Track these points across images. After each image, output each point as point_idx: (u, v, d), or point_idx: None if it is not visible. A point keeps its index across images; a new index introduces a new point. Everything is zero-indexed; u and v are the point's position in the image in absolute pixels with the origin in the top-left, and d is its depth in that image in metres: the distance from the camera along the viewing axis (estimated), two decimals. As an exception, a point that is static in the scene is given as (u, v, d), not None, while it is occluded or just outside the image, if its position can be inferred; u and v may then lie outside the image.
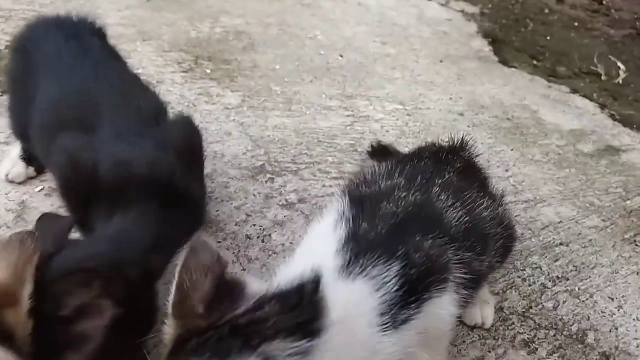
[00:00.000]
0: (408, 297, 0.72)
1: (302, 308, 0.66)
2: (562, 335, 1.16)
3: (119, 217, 0.90)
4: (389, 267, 0.72)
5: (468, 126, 1.87)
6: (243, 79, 1.98)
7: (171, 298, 0.66)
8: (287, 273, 0.72)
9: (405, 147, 1.68)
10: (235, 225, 1.28)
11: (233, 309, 0.65)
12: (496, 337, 1.08)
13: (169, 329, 0.66)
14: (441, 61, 2.33)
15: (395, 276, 0.72)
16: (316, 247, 0.81)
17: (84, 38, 1.17)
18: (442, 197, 0.85)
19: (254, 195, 1.41)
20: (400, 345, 0.71)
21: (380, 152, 1.41)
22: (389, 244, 0.75)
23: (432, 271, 0.75)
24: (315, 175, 1.51)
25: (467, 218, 0.83)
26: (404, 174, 0.90)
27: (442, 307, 0.76)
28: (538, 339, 1.11)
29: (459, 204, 0.85)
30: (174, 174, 0.98)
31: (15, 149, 1.30)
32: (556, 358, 1.09)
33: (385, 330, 0.70)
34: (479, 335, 1.08)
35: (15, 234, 0.75)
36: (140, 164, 0.96)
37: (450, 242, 0.80)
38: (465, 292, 0.81)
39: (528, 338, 1.10)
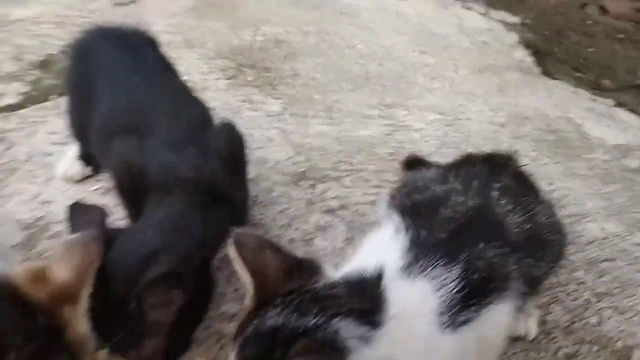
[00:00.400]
0: (468, 301, 0.73)
1: (365, 298, 0.69)
2: (607, 352, 1.13)
3: (166, 214, 0.94)
4: (450, 269, 0.74)
5: (510, 138, 1.85)
6: (284, 87, 2.01)
7: (248, 281, 0.72)
8: (351, 268, 0.75)
9: (445, 157, 1.67)
10: (279, 228, 1.31)
11: (310, 282, 0.71)
12: (539, 350, 1.07)
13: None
14: (481, 72, 2.32)
15: (457, 279, 0.74)
16: (377, 252, 0.82)
17: (139, 49, 1.23)
18: (502, 201, 0.85)
19: (296, 200, 1.43)
20: (456, 347, 0.72)
21: (414, 165, 1.41)
22: (450, 249, 0.76)
23: (494, 279, 0.76)
24: (355, 183, 1.53)
25: (527, 225, 0.83)
26: (459, 179, 0.90)
27: (500, 315, 0.76)
28: (581, 354, 1.09)
29: (519, 208, 0.85)
30: (216, 177, 1.01)
31: (73, 149, 1.36)
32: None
33: (444, 330, 0.71)
34: (521, 348, 1.06)
35: (80, 236, 0.79)
36: (184, 168, 1.00)
37: (512, 251, 0.80)
38: (522, 300, 0.81)
39: (571, 352, 1.08)
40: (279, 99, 1.93)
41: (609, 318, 1.23)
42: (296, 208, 1.39)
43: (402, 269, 0.76)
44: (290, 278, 0.72)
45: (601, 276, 1.36)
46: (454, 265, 0.74)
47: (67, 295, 0.75)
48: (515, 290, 0.78)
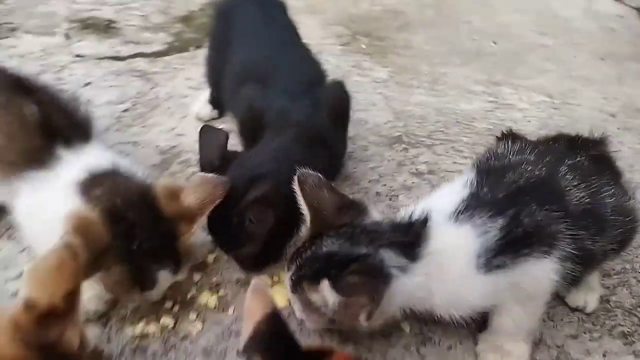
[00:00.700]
0: (506, 249, 0.82)
1: (408, 234, 0.83)
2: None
3: (277, 147, 1.13)
4: (494, 221, 0.84)
5: (618, 128, 1.79)
6: (394, 57, 2.11)
7: (307, 213, 0.89)
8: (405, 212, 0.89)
9: (544, 138, 1.69)
10: (368, 182, 1.45)
11: (360, 219, 0.87)
12: (595, 323, 1.11)
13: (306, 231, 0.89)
14: (603, 59, 2.22)
15: (500, 229, 0.84)
16: (436, 200, 0.94)
17: (271, 11, 1.42)
18: (568, 176, 0.91)
19: (388, 160, 1.55)
20: (488, 289, 0.83)
21: (510, 139, 1.45)
22: (501, 205, 0.86)
23: (537, 235, 0.84)
24: (447, 152, 1.61)
25: (588, 200, 0.89)
26: (535, 152, 0.97)
27: (541, 269, 0.85)
28: (638, 334, 1.11)
29: (584, 185, 0.91)
30: (321, 125, 1.18)
31: (205, 94, 1.60)
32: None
33: (478, 271, 0.82)
34: (578, 318, 1.11)
35: (214, 177, 0.99)
36: (296, 114, 1.19)
37: (566, 217, 0.87)
38: (572, 267, 0.88)
39: (628, 331, 1.10)
40: (387, 67, 2.04)
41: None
42: (386, 167, 1.52)
43: (452, 215, 0.88)
44: (343, 214, 0.88)
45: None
46: (500, 218, 0.84)
47: (188, 216, 0.96)
48: (562, 253, 0.85)
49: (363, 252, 0.80)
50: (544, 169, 0.92)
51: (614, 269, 1.23)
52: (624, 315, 1.14)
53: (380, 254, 0.80)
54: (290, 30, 1.45)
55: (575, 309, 1.12)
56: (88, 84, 1.75)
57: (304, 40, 1.52)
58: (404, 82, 1.94)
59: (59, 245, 0.72)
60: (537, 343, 1.06)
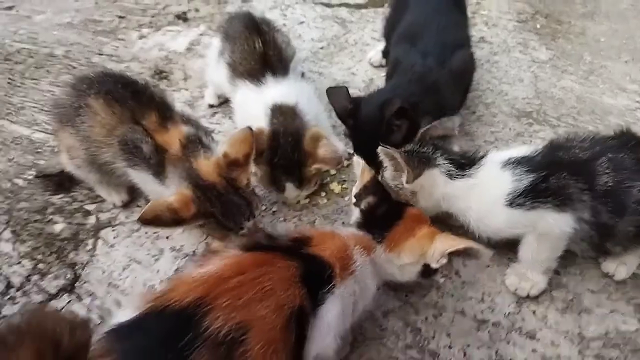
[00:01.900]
0: (529, 196, 1.17)
1: (465, 158, 1.27)
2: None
3: (396, 85, 1.56)
4: (529, 175, 1.19)
5: None
6: (563, 41, 2.28)
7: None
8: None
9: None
10: (483, 142, 1.77)
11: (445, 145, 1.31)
12: (617, 289, 1.35)
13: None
14: None
15: (530, 181, 1.18)
16: (503, 152, 1.30)
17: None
18: (604, 165, 1.17)
19: (509, 129, 1.84)
20: (509, 219, 1.20)
21: (623, 137, 1.61)
22: (541, 167, 1.19)
23: (556, 194, 1.16)
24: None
25: (612, 185, 1.15)
26: (589, 142, 1.24)
27: (554, 219, 1.17)
28: None
29: (614, 174, 1.16)
30: (436, 79, 1.54)
31: (381, 45, 2.05)
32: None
33: (504, 203, 1.20)
34: (606, 282, 1.36)
35: (341, 150, 1.45)
36: (419, 67, 1.56)
37: (588, 190, 1.16)
38: (590, 233, 1.18)
39: None
40: (551, 50, 2.23)
41: None
42: (505, 134, 1.82)
43: (503, 162, 1.24)
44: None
45: None
46: (534, 174, 1.17)
47: (314, 158, 1.44)
48: (580, 216, 1.16)
49: (427, 152, 1.26)
50: (587, 154, 1.20)
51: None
52: (649, 292, 1.36)
53: (438, 158, 1.26)
54: (453, 2, 1.78)
55: (606, 275, 1.38)
56: (302, 22, 2.35)
57: (484, 12, 1.84)
58: (559, 67, 2.13)
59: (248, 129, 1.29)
60: (559, 285, 1.37)
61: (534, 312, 1.32)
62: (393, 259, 1.11)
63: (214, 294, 0.84)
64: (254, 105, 1.56)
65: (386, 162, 1.28)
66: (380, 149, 1.24)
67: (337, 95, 1.52)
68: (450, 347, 1.26)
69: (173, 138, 1.33)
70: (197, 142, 1.33)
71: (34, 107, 1.92)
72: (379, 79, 2.03)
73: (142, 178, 1.37)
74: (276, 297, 0.88)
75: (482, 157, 1.27)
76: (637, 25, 2.40)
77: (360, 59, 2.14)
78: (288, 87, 1.58)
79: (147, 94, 1.39)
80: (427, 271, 1.12)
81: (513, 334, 1.28)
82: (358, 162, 1.23)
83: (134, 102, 1.35)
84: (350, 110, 1.50)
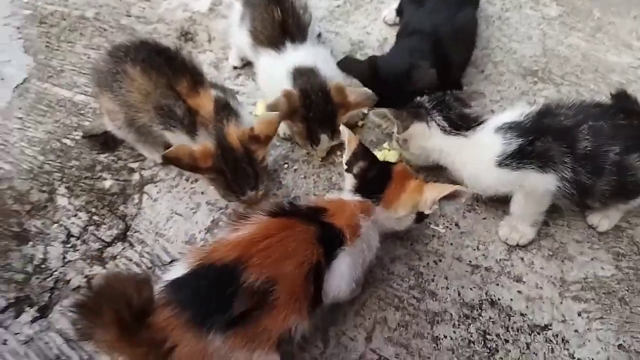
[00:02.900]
0: (516, 157, 1.35)
1: (462, 119, 1.45)
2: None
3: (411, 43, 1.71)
4: (517, 139, 1.35)
5: None
6: (574, -3, 2.32)
7: None
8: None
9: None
10: (489, 101, 1.90)
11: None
12: (600, 240, 1.53)
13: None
14: None
15: (518, 144, 1.35)
16: (499, 116, 1.46)
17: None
18: (584, 131, 1.32)
19: (515, 88, 1.96)
20: (497, 177, 1.38)
21: (621, 98, 1.72)
22: (528, 132, 1.35)
23: (540, 155, 1.33)
24: (569, 93, 1.94)
25: (590, 149, 1.30)
26: (574, 109, 1.38)
27: (537, 178, 1.35)
28: (629, 257, 1.51)
29: (593, 139, 1.31)
30: (442, 37, 1.68)
31: (396, 3, 2.13)
32: (628, 270, 1.48)
33: (494, 164, 1.37)
34: (590, 233, 1.55)
35: (369, 91, 1.59)
36: (426, 26, 1.70)
37: (569, 154, 1.32)
38: (571, 191, 1.34)
39: (622, 252, 1.50)
40: (562, 6, 2.28)
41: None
42: (510, 93, 1.94)
43: (496, 127, 1.40)
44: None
45: None
46: (522, 138, 1.34)
47: (346, 105, 1.59)
48: (562, 175, 1.32)
49: (430, 105, 1.46)
50: (571, 121, 1.34)
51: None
52: (628, 243, 1.54)
53: (433, 114, 1.45)
54: None
55: (590, 226, 1.56)
56: (319, -20, 2.42)
57: None
58: (568, 23, 2.20)
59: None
60: (547, 235, 1.56)
61: (522, 259, 1.52)
62: (391, 214, 1.31)
63: (248, 254, 1.06)
64: (275, 70, 1.70)
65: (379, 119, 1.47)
66: (372, 112, 1.41)
67: (349, 66, 1.68)
68: (447, 288, 1.48)
69: (204, 101, 1.50)
70: (227, 106, 1.50)
71: (72, 69, 2.09)
72: (393, 38, 2.12)
73: (176, 138, 1.55)
74: (297, 255, 1.09)
75: (480, 122, 1.42)
76: (651, -22, 2.41)
77: (375, 18, 2.23)
78: (306, 51, 1.71)
79: (179, 61, 1.55)
80: (420, 217, 1.33)
81: (502, 277, 1.49)
82: (344, 131, 1.39)
83: (168, 68, 1.51)
84: (369, 73, 1.64)
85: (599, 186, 1.35)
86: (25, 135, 1.88)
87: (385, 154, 1.73)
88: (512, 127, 1.38)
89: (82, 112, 1.94)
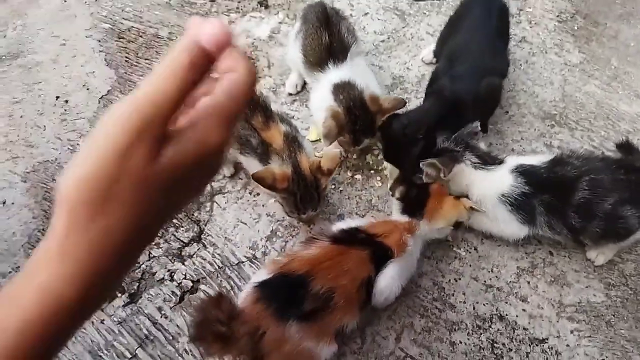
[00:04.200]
0: (514, 203, 1.68)
1: (490, 158, 1.74)
2: (632, 293, 1.81)
3: (431, 105, 1.97)
4: (524, 186, 1.66)
5: None
6: (595, 45, 2.58)
7: None
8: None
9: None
10: (511, 140, 2.19)
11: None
12: (595, 271, 1.83)
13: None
14: None
15: (521, 192, 1.67)
16: (520, 158, 1.77)
17: (493, 13, 2.08)
18: (584, 183, 1.60)
19: (535, 129, 2.25)
20: (495, 212, 1.72)
21: (625, 149, 1.98)
22: (537, 183, 1.65)
23: (528, 210, 1.67)
24: (582, 138, 2.22)
25: (584, 200, 1.60)
26: (582, 161, 1.66)
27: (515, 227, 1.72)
28: (617, 287, 1.81)
29: (590, 191, 1.59)
30: (460, 101, 1.90)
31: (432, 45, 2.41)
32: (616, 299, 1.78)
33: (495, 197, 1.71)
34: (587, 264, 1.85)
35: (333, 151, 1.87)
36: (447, 91, 1.92)
37: (564, 206, 1.63)
38: (562, 230, 1.66)
39: (612, 283, 1.81)
40: (584, 53, 2.55)
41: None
42: (530, 134, 2.22)
43: (513, 169, 1.70)
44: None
45: None
46: (527, 186, 1.65)
47: (382, 111, 1.88)
48: (534, 231, 1.67)
49: (458, 149, 1.74)
50: (575, 172, 1.63)
51: (636, 252, 1.89)
52: (618, 275, 1.84)
53: (467, 153, 1.74)
54: (497, 31, 2.10)
55: (588, 259, 1.86)
56: (366, 13, 2.70)
57: (528, 9, 2.21)
58: (587, 71, 2.47)
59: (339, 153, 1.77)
60: (551, 264, 1.86)
61: (528, 282, 1.83)
62: (433, 226, 1.65)
63: (315, 270, 1.42)
64: (320, 87, 2.01)
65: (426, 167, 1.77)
66: (422, 163, 1.71)
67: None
68: (464, 302, 1.79)
69: (274, 134, 1.81)
70: (295, 139, 1.81)
71: (150, 85, 2.42)
72: (429, 75, 2.41)
73: (248, 162, 1.87)
74: (352, 273, 1.45)
75: (502, 161, 1.76)
76: (669, 30, 2.66)
77: (414, 54, 2.51)
78: (345, 68, 2.00)
79: (255, 99, 1.86)
80: (457, 225, 1.70)
81: (510, 297, 1.80)
82: (386, 165, 1.74)
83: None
84: (384, 123, 1.92)
85: (589, 228, 1.64)
86: (112, 143, 2.22)
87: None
88: (525, 173, 1.69)
89: (159, 125, 2.27)
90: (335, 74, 1.99)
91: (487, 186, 1.73)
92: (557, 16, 2.71)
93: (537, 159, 1.74)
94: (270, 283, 1.41)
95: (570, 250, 1.89)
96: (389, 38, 2.59)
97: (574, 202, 1.62)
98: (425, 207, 1.65)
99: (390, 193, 1.71)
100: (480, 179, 1.74)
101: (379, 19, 2.67)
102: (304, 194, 1.72)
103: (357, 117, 1.89)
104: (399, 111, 1.92)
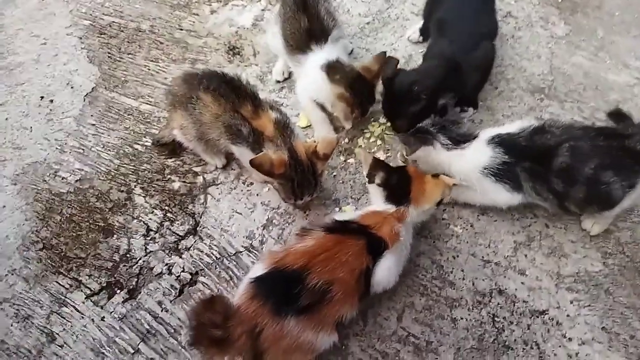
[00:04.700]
0: (497, 172, 1.70)
1: (462, 136, 1.75)
2: (629, 260, 1.82)
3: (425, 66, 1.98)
4: (503, 155, 1.68)
5: None
6: (580, 16, 2.58)
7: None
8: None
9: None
10: (502, 116, 2.19)
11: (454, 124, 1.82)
12: (592, 240, 1.84)
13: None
14: None
15: (502, 161, 1.68)
16: (495, 129, 1.77)
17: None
18: (564, 149, 1.60)
19: (524, 104, 2.24)
20: (479, 183, 1.73)
21: (616, 116, 1.99)
22: (516, 149, 1.66)
23: (512, 176, 1.69)
24: (572, 109, 2.22)
25: (566, 165, 1.59)
26: (562, 129, 1.66)
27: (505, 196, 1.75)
28: (614, 256, 1.82)
29: (570, 156, 1.59)
30: (460, 65, 1.92)
31: (419, 23, 2.40)
32: (613, 267, 1.79)
33: (478, 171, 1.72)
34: (584, 235, 1.85)
35: (330, 137, 1.85)
36: (447, 53, 1.95)
37: (547, 171, 1.63)
38: (547, 195, 1.68)
39: (609, 252, 1.82)
40: (569, 25, 2.54)
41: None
42: (520, 108, 2.22)
43: (489, 140, 1.71)
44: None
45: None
46: (507, 155, 1.66)
47: (376, 75, 1.91)
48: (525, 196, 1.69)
49: (432, 130, 1.76)
50: (554, 140, 1.63)
51: (631, 219, 1.90)
52: (615, 244, 1.85)
53: (438, 132, 1.76)
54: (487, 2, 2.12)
55: (584, 230, 1.87)
56: (350, -4, 2.68)
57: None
58: (574, 42, 2.46)
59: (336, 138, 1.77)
60: (547, 235, 1.87)
61: (525, 256, 1.84)
62: (421, 208, 1.64)
63: (311, 263, 1.40)
64: (306, 71, 2.03)
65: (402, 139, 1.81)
66: (399, 136, 1.74)
67: (389, 63, 1.95)
68: (463, 279, 1.80)
69: (265, 122, 1.79)
70: (287, 125, 1.80)
71: (135, 80, 2.38)
72: (417, 55, 2.41)
73: (240, 151, 1.86)
74: (349, 264, 1.43)
75: (475, 137, 1.76)
76: (652, -2, 2.66)
77: (400, 35, 2.49)
78: (328, 48, 2.03)
79: (242, 89, 1.84)
80: (440, 202, 1.67)
81: (509, 271, 1.81)
82: (359, 151, 1.76)
83: (234, 95, 1.80)
84: (389, 78, 1.92)
85: (572, 193, 1.64)
86: (100, 140, 2.19)
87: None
88: (503, 143, 1.70)
89: (148, 120, 2.24)
90: (319, 55, 2.00)
91: (467, 163, 1.74)
92: (541, -11, 2.70)
93: (514, 126, 1.75)
94: (266, 278, 1.40)
95: (566, 222, 1.90)
96: (374, 20, 2.57)
97: (555, 167, 1.62)
98: (410, 193, 1.61)
99: (368, 180, 1.68)
100: (457, 159, 1.76)
101: (362, 1, 2.65)
102: (301, 179, 1.71)
103: (359, 90, 1.93)
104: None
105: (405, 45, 2.46)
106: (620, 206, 1.69)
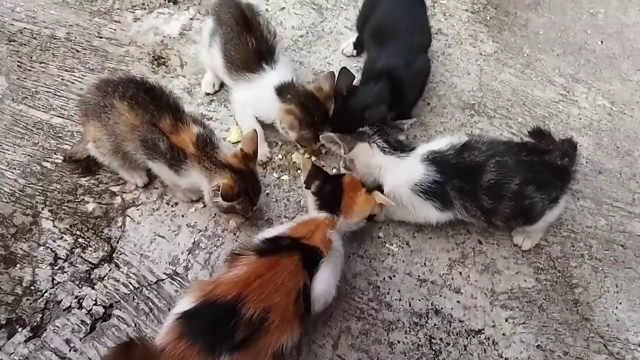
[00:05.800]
0: (427, 190, 1.67)
1: (399, 144, 1.73)
2: (560, 275, 1.84)
3: (377, 87, 1.92)
4: (435, 174, 1.65)
5: (653, 145, 2.27)
6: (508, 34, 2.65)
7: None
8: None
9: (581, 137, 2.25)
10: (434, 132, 2.18)
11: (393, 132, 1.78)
12: (523, 256, 1.85)
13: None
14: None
15: (433, 180, 1.65)
16: (432, 143, 1.75)
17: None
18: (491, 165, 1.60)
19: (456, 120, 2.25)
20: (408, 199, 1.71)
21: (537, 134, 2.00)
22: (446, 168, 1.64)
23: (443, 197, 1.66)
24: (501, 126, 2.26)
25: (494, 181, 1.59)
26: (489, 146, 1.65)
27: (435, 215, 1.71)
28: (546, 271, 1.84)
29: (497, 173, 1.59)
30: (400, 81, 1.91)
31: (353, 37, 2.36)
32: (546, 282, 1.81)
33: (408, 187, 1.69)
34: (515, 250, 1.86)
35: (252, 132, 1.77)
36: (388, 68, 1.93)
37: (475, 189, 1.62)
38: (475, 212, 1.66)
39: (540, 267, 1.84)
40: (497, 42, 2.60)
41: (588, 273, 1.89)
42: (452, 124, 2.23)
43: (423, 156, 1.68)
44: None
45: (607, 250, 1.95)
46: (438, 174, 1.64)
47: (328, 96, 1.85)
48: (454, 214, 1.68)
49: (370, 133, 1.72)
50: (482, 157, 1.62)
51: (561, 234, 1.93)
52: (546, 259, 1.86)
53: (376, 137, 1.72)
54: (419, 6, 2.13)
55: (515, 245, 1.87)
56: (283, 8, 2.60)
57: (443, 2, 2.22)
58: (502, 60, 2.52)
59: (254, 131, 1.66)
60: (481, 252, 1.85)
61: (460, 273, 1.81)
62: (350, 220, 1.61)
63: (245, 292, 1.27)
64: (259, 88, 1.94)
65: (328, 143, 1.76)
66: (322, 135, 1.72)
67: (344, 78, 1.92)
68: (400, 300, 1.74)
69: (185, 139, 1.66)
70: (209, 141, 1.68)
71: (47, 91, 2.17)
72: (351, 69, 2.35)
73: (158, 168, 1.71)
74: (285, 286, 1.32)
75: (413, 148, 1.73)
76: (573, 18, 2.78)
77: (335, 49, 2.45)
78: (281, 68, 1.98)
79: (163, 99, 1.69)
80: (370, 217, 1.69)
81: (444, 290, 1.77)
82: (298, 157, 1.74)
83: (153, 106, 1.66)
84: (343, 96, 1.91)
85: (499, 209, 1.64)
86: (4, 157, 1.96)
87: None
88: (436, 161, 1.67)
89: (60, 135, 2.04)
90: (272, 76, 1.94)
91: (400, 176, 1.70)
92: (471, 7, 2.76)
93: (445, 142, 1.73)
94: (195, 314, 1.25)
95: (498, 238, 1.90)
96: (307, 33, 2.51)
97: (483, 184, 1.61)
98: (342, 204, 1.59)
99: (305, 186, 1.67)
100: (392, 168, 1.72)
101: (296, 14, 2.58)
102: (251, 185, 1.66)
103: (312, 110, 1.87)
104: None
105: (340, 60, 2.41)
106: (544, 220, 1.71)
